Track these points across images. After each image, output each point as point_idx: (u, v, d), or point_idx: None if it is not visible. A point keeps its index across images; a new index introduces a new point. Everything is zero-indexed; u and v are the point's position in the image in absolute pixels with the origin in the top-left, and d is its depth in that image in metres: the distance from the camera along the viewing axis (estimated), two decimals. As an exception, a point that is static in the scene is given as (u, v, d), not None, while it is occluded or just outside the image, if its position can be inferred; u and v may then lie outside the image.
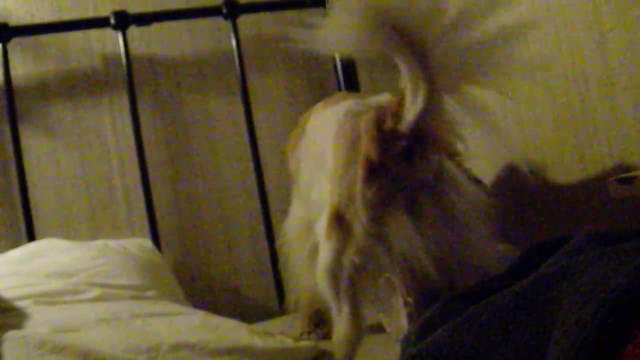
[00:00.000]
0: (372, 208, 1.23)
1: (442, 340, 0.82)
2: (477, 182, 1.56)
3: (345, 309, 1.28)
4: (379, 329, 1.56)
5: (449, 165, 1.33)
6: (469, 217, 1.28)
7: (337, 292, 1.28)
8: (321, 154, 1.40)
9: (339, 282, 1.27)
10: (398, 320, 1.44)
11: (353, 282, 1.26)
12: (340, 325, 1.28)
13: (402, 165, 1.23)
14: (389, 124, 1.24)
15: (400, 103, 1.23)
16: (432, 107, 1.20)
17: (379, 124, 1.25)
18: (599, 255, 0.77)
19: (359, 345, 1.28)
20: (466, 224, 1.28)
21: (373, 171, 1.23)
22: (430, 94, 1.19)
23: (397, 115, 1.23)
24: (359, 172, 1.24)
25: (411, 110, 1.21)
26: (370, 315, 1.54)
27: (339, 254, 1.26)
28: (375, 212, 1.23)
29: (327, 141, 1.38)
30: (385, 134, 1.24)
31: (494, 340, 0.77)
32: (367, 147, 1.24)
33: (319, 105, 1.60)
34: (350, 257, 1.25)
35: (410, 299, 1.38)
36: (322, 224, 1.32)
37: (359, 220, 1.24)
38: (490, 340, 0.77)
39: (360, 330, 1.28)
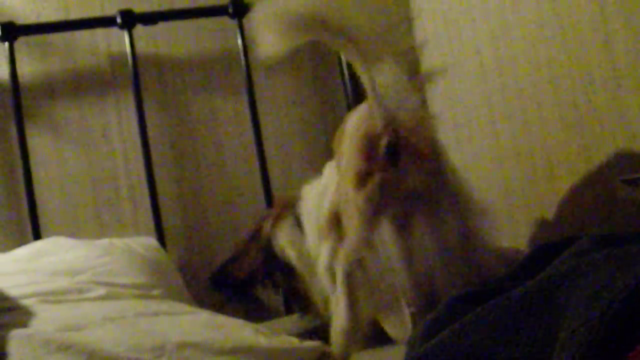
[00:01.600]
0: (363, 214, 1.25)
1: (448, 340, 0.82)
2: None
3: (342, 302, 1.31)
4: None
5: (449, 176, 1.32)
6: (467, 233, 1.29)
7: (334, 286, 1.33)
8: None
9: (336, 277, 1.32)
10: (401, 322, 1.43)
11: (349, 277, 1.28)
12: (338, 316, 1.33)
13: (388, 172, 1.24)
14: (373, 127, 1.27)
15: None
16: (402, 98, 1.28)
17: (369, 130, 1.29)
18: (606, 257, 0.76)
19: (356, 338, 1.32)
20: (464, 239, 1.28)
21: (361, 178, 1.26)
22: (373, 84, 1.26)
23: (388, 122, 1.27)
24: (350, 180, 1.28)
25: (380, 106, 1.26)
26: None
27: (334, 251, 1.33)
28: (366, 218, 1.25)
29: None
30: (372, 139, 1.27)
31: (500, 341, 0.77)
32: (355, 156, 1.28)
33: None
34: (344, 255, 1.29)
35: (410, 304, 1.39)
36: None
37: (352, 223, 1.27)
38: (497, 341, 0.77)
39: (358, 322, 1.31)
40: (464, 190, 1.34)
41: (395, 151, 1.24)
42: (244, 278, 1.79)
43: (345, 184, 1.31)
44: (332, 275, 1.35)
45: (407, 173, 1.24)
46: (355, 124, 1.37)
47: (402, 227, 1.25)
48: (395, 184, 1.24)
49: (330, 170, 1.59)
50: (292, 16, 1.24)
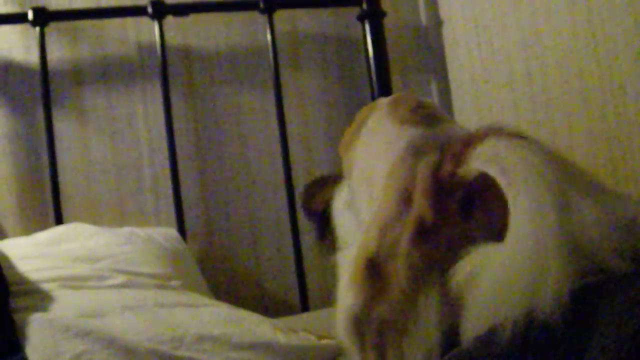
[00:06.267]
0: (414, 271, 1.04)
1: (470, 349, 0.81)
2: None
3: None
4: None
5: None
6: None
7: (362, 345, 1.13)
8: (369, 170, 1.28)
9: (365, 334, 1.12)
10: None
11: (382, 336, 1.09)
12: None
13: (458, 225, 1.03)
14: (447, 168, 1.07)
15: (468, 144, 1.07)
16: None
17: (436, 170, 1.08)
18: (637, 274, 0.76)
19: None
20: None
21: (423, 232, 1.05)
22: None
23: (460, 158, 1.07)
24: (408, 231, 1.07)
25: (482, 155, 1.04)
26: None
27: (368, 306, 1.10)
28: (417, 275, 1.04)
29: (378, 162, 1.25)
30: (443, 182, 1.07)
31: (524, 350, 0.77)
32: (419, 204, 1.07)
33: (384, 104, 1.40)
34: (381, 312, 1.08)
35: None
36: (349, 261, 1.18)
37: (397, 279, 1.06)
38: (521, 354, 0.76)
39: None
40: None
41: (472, 199, 1.04)
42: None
43: (395, 233, 1.09)
44: (357, 330, 1.13)
45: (476, 225, 1.03)
46: (399, 161, 1.17)
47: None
48: (460, 238, 1.02)
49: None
50: None
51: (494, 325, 0.82)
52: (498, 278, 0.88)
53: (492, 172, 0.99)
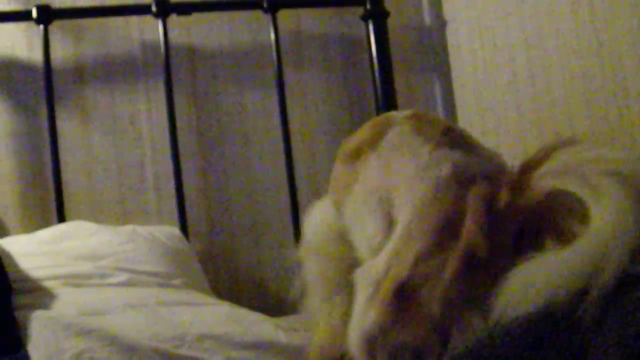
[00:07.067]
0: (450, 305, 1.01)
1: (474, 349, 0.81)
2: None
3: None
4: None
5: None
6: None
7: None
8: (386, 189, 1.21)
9: (377, 354, 1.09)
10: None
11: (394, 358, 1.07)
12: None
13: (510, 257, 0.97)
14: (504, 199, 1.03)
15: (526, 172, 1.05)
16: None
17: (490, 201, 1.04)
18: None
19: None
20: None
21: (471, 266, 1.00)
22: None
23: (516, 187, 1.04)
24: (455, 263, 1.01)
25: (555, 169, 1.01)
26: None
27: (388, 328, 1.07)
28: (453, 309, 1.01)
29: (404, 182, 1.19)
30: (498, 214, 1.02)
31: (528, 353, 0.76)
32: (471, 237, 1.01)
33: (403, 119, 1.31)
34: (400, 336, 1.06)
35: None
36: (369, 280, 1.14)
37: (429, 310, 1.03)
38: (524, 353, 0.76)
39: None
40: None
41: (523, 233, 1.01)
42: None
43: (436, 264, 1.04)
44: (370, 348, 1.10)
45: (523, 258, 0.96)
46: (440, 188, 1.12)
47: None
48: (505, 271, 0.95)
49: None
50: None
51: (495, 325, 0.82)
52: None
53: (571, 182, 0.97)
